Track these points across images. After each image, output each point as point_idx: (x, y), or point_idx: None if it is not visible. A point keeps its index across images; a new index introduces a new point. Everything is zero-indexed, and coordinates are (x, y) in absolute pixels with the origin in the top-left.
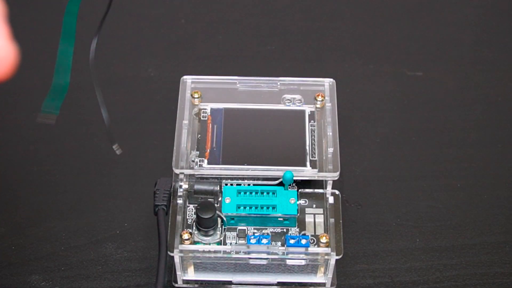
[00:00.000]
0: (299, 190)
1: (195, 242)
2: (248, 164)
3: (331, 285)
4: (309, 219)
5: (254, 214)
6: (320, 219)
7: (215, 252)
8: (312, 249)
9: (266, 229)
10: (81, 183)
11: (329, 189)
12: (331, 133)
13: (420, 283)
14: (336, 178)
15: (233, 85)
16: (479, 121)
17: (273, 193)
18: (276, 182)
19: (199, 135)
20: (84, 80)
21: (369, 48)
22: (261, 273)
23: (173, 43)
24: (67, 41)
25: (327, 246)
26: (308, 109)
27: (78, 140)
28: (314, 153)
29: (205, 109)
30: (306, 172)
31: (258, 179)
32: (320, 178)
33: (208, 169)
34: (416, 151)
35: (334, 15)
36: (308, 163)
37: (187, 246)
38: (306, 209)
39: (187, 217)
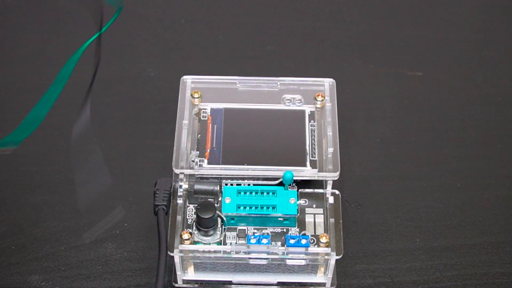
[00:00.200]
0: (299, 190)
1: (195, 242)
2: (248, 164)
3: (331, 285)
4: (309, 219)
5: (254, 214)
6: (320, 219)
7: (215, 252)
8: (312, 249)
9: (266, 229)
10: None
11: (329, 189)
12: (331, 133)
13: (420, 283)
14: (336, 178)
15: (233, 85)
16: (479, 121)
17: (273, 193)
18: (276, 182)
19: (199, 135)
20: (84, 80)
21: (369, 48)
22: (261, 273)
23: (173, 43)
24: (59, 84)
25: (327, 246)
26: (308, 109)
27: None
28: (314, 153)
29: (205, 109)
30: (306, 172)
31: (258, 179)
32: (320, 178)
33: (208, 169)
34: (416, 151)
35: (334, 15)
36: (308, 163)
37: (187, 246)
38: (306, 209)
39: (187, 217)
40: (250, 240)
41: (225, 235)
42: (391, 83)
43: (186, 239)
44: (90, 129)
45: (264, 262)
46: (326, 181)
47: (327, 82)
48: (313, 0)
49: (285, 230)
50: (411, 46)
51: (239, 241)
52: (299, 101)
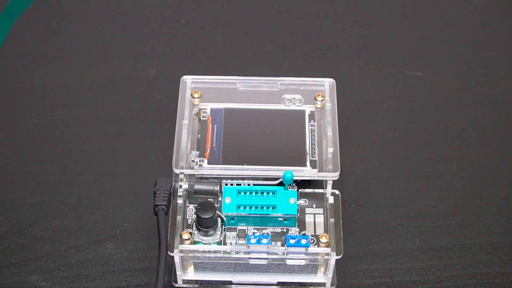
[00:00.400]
0: (299, 190)
1: (195, 242)
2: (248, 164)
3: (331, 285)
4: (309, 219)
5: (254, 214)
6: (320, 219)
7: (215, 252)
8: (312, 249)
9: (266, 229)
10: (81, 183)
11: (329, 189)
12: (331, 133)
13: (420, 283)
14: (336, 178)
15: (233, 85)
16: (479, 121)
17: (273, 193)
18: (276, 182)
19: (199, 135)
20: (84, 80)
21: (369, 48)
22: (261, 273)
23: (173, 43)
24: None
25: (327, 246)
26: (308, 109)
27: (78, 140)
28: (314, 153)
29: (205, 109)
30: (306, 172)
31: (258, 179)
32: (320, 178)
33: (208, 169)
34: (416, 151)
35: (334, 15)
36: (308, 163)
37: (187, 246)
38: (306, 209)
39: (187, 217)
40: (250, 240)
41: (225, 235)
42: (391, 83)
43: (186, 239)
44: (90, 129)
45: (264, 262)
46: (326, 181)
47: (327, 82)
48: (313, 0)
49: (285, 230)
50: (411, 46)
51: (239, 241)
52: (299, 101)
